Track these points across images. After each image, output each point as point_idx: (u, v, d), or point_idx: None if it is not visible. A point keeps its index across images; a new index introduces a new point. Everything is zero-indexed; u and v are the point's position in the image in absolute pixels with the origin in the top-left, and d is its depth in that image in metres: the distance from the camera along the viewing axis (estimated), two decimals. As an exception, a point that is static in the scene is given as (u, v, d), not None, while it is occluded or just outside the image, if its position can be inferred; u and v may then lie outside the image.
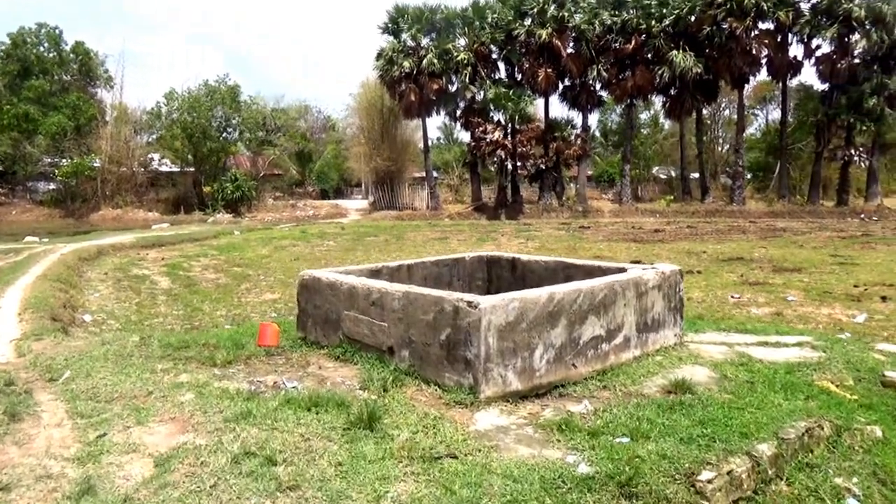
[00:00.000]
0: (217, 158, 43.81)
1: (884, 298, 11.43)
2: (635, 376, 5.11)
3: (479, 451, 3.60)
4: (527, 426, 4.09)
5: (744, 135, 39.78)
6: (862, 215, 34.13)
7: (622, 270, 6.11)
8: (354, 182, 60.59)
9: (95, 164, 41.33)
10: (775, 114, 55.53)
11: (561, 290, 4.83)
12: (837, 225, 30.12)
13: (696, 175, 41.60)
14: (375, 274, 6.41)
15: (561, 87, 38.47)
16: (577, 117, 39.28)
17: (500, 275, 7.25)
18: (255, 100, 49.59)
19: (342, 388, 4.75)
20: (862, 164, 37.12)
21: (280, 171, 52.84)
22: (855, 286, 12.75)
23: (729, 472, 3.50)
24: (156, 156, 45.70)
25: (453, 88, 37.97)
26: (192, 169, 43.99)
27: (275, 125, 54.35)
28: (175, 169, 45.79)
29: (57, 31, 49.25)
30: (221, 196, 40.31)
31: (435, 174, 42.96)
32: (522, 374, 4.60)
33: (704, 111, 42.61)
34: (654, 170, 56.51)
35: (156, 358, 5.44)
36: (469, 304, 4.44)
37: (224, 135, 44.39)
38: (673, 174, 54.84)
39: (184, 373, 5.04)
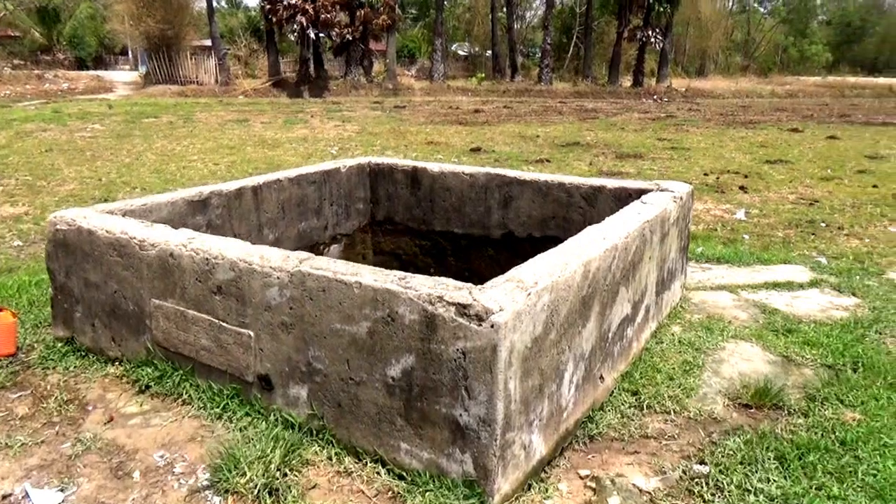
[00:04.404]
0: (-80, 13, 33.31)
1: (742, 188, 10.89)
2: (675, 375, 3.15)
3: None
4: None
5: (552, 11, 38.92)
6: (655, 96, 35.59)
7: (597, 190, 3.99)
8: (119, 49, 50.91)
9: None
10: (567, -7, 55.89)
11: (594, 253, 2.58)
12: (639, 106, 30.85)
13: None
14: (200, 207, 3.60)
15: (366, -56, 34.09)
16: (384, -18, 35.36)
17: (394, 194, 4.77)
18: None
19: (173, 495, 2.18)
20: (657, 46, 38.35)
21: (17, 34, 42.24)
22: (705, 174, 12.19)
23: None
24: None
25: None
26: None
27: (2, -28, 42.76)
28: None
29: None
30: (-67, 63, 30.93)
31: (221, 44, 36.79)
32: (549, 424, 2.38)
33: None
34: (453, 47, 54.77)
35: None
36: (463, 310, 2.03)
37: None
38: (473, 51, 53.54)
39: None
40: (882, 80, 45.16)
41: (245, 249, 2.52)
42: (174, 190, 4.10)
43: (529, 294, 2.12)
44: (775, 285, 4.45)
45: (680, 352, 3.39)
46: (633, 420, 2.79)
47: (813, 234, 7.66)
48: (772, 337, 3.62)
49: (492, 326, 1.98)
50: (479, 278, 4.74)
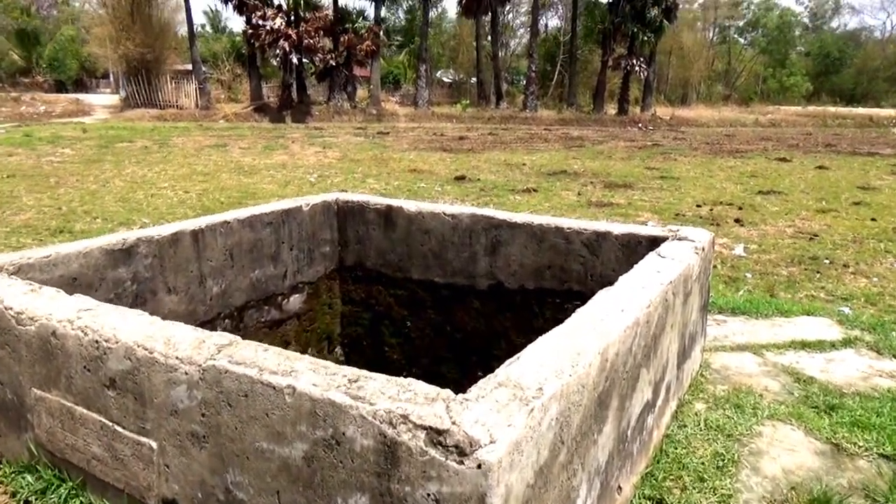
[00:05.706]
0: None
1: (738, 221, 10.44)
2: (706, 474, 2.52)
3: None
4: None
5: (537, 39, 38.93)
6: (640, 124, 35.48)
7: (601, 236, 3.38)
8: (101, 73, 50.29)
9: None
10: (552, 22, 56.34)
11: (612, 335, 1.96)
12: (624, 134, 30.61)
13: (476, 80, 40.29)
14: (123, 258, 2.95)
15: (351, -30, 33.98)
16: (369, 8, 35.34)
17: (365, 235, 4.15)
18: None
19: None
20: (641, 75, 38.38)
21: (-6, 55, 41.58)
22: (697, 206, 11.76)
23: None
24: None
25: (223, -40, 31.53)
26: None
27: (-21, -6, 42.22)
28: None
29: None
30: None
31: (203, 68, 36.27)
32: (555, 577, 1.74)
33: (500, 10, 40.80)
34: (438, 73, 54.92)
35: None
36: (437, 437, 1.40)
37: None
38: (457, 78, 53.61)
39: None
40: (862, 111, 45.56)
41: (146, 330, 1.88)
42: (137, 223, 3.46)
43: (532, 409, 1.49)
44: (804, 345, 3.85)
45: (708, 439, 2.77)
46: (659, 547, 2.16)
47: (818, 272, 7.16)
48: (813, 416, 3.01)
49: (479, 466, 1.35)
50: (462, 333, 4.11)
